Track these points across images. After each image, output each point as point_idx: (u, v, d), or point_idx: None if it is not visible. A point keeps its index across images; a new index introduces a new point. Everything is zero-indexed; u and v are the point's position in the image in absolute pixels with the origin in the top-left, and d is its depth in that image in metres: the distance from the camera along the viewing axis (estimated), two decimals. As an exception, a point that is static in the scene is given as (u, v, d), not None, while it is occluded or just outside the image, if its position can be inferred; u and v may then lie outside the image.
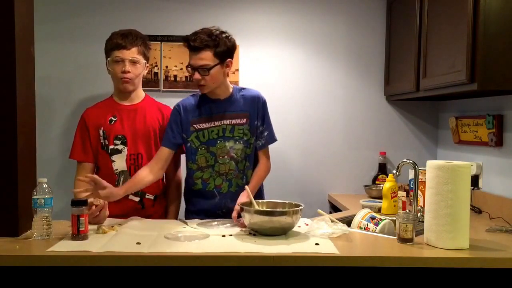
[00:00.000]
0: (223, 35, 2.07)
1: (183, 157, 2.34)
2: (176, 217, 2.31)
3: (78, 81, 3.00)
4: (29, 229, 1.78)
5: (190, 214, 2.26)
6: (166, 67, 3.02)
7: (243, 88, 2.25)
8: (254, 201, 1.97)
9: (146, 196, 2.28)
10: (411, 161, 2.13)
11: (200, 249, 1.61)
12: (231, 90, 2.20)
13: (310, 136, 3.13)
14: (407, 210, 2.32)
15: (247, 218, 1.83)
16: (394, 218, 1.92)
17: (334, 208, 2.93)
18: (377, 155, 3.12)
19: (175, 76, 3.02)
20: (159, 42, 3.00)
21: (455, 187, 1.65)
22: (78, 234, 1.70)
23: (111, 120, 2.27)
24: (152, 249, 1.61)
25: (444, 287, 1.64)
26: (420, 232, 1.82)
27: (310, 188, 3.13)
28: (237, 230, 1.90)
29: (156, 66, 3.01)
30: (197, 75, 2.06)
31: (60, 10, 2.99)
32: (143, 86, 2.39)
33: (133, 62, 2.23)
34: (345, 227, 1.87)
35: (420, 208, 2.17)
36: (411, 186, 2.61)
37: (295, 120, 3.11)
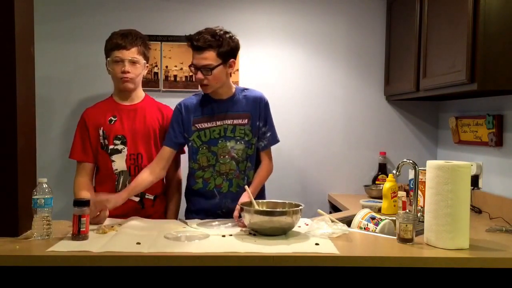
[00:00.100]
0: (227, 35, 2.07)
1: (183, 157, 2.34)
2: (176, 217, 2.31)
3: (78, 81, 3.00)
4: (29, 229, 1.78)
5: (190, 214, 2.26)
6: (166, 67, 3.02)
7: (246, 89, 2.25)
8: (254, 201, 1.97)
9: (146, 196, 2.28)
10: (411, 161, 2.13)
11: (200, 249, 1.61)
12: (233, 90, 2.20)
13: (310, 136, 3.13)
14: (407, 210, 2.32)
15: (247, 218, 1.83)
16: (394, 218, 1.92)
17: (334, 208, 2.93)
18: (377, 155, 3.12)
19: (175, 76, 3.02)
20: (159, 42, 3.00)
21: (455, 187, 1.65)
22: (78, 234, 1.70)
23: (111, 120, 2.27)
24: (152, 249, 1.61)
25: (444, 287, 1.64)
26: (420, 232, 1.82)
27: (310, 188, 3.13)
28: (237, 230, 1.90)
29: (156, 66, 3.01)
30: (199, 75, 2.06)
31: (60, 10, 2.99)
32: (143, 86, 2.39)
33: (133, 62, 2.23)
34: (345, 227, 1.87)
35: (420, 208, 2.17)
36: (411, 186, 2.61)
37: (295, 120, 3.11)
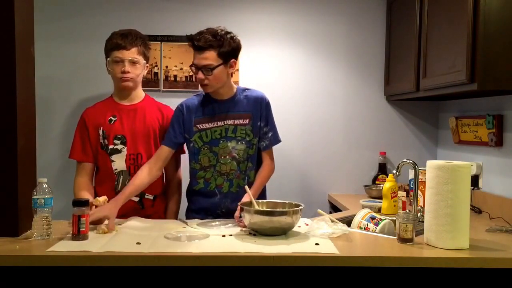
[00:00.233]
0: (228, 36, 2.07)
1: (183, 157, 2.34)
2: (176, 217, 2.31)
3: (78, 81, 3.00)
4: (29, 229, 1.78)
5: (190, 213, 2.26)
6: (166, 67, 3.02)
7: (247, 89, 2.25)
8: (254, 201, 1.97)
9: (146, 196, 2.28)
10: (411, 161, 2.13)
11: (200, 249, 1.61)
12: (234, 90, 2.20)
13: (310, 136, 3.13)
14: (407, 210, 2.32)
15: (247, 218, 1.83)
16: (394, 218, 1.92)
17: (334, 208, 2.93)
18: (377, 155, 3.12)
19: (175, 76, 3.02)
20: (159, 42, 3.00)
21: (455, 187, 1.65)
22: (78, 234, 1.70)
23: (110, 120, 2.27)
24: (152, 249, 1.61)
25: (444, 287, 1.64)
26: (420, 232, 1.82)
27: (310, 188, 3.13)
28: (237, 230, 1.90)
29: (156, 66, 3.01)
30: (200, 75, 2.06)
31: (60, 10, 2.99)
32: (143, 86, 2.39)
33: (133, 63, 2.23)
34: (345, 227, 1.87)
35: (420, 208, 2.17)
36: (411, 186, 2.61)
37: (295, 120, 3.11)
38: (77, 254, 1.56)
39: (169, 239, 1.75)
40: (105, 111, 2.29)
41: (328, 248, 1.65)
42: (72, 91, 3.00)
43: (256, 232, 1.84)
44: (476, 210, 2.42)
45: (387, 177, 2.58)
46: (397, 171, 2.16)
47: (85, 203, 1.74)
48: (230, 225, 1.98)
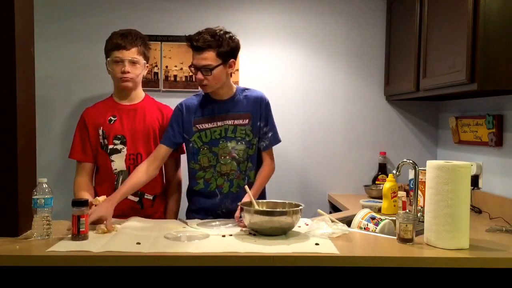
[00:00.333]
0: (227, 36, 2.06)
1: (183, 157, 2.34)
2: (175, 217, 2.30)
3: (78, 81, 3.00)
4: (29, 229, 1.78)
5: (191, 213, 2.26)
6: (166, 67, 3.02)
7: (247, 89, 2.25)
8: (254, 201, 1.97)
9: (145, 196, 2.28)
10: (411, 161, 2.13)
11: (200, 249, 1.61)
12: (234, 90, 2.20)
13: (310, 136, 3.13)
14: (407, 210, 2.32)
15: (247, 218, 1.83)
16: (394, 218, 1.92)
17: (334, 208, 2.93)
18: (377, 155, 3.12)
19: (175, 76, 3.02)
20: (159, 42, 3.00)
21: (455, 187, 1.65)
22: (78, 234, 1.70)
23: (110, 120, 2.27)
24: (152, 249, 1.61)
25: (444, 287, 1.64)
26: (420, 232, 1.82)
27: (310, 188, 3.13)
28: (237, 230, 1.90)
29: (156, 66, 3.01)
30: (199, 75, 2.06)
31: (60, 10, 2.99)
32: (143, 86, 2.39)
33: (133, 63, 2.23)
34: (345, 227, 1.87)
35: (420, 208, 2.17)
36: (411, 186, 2.61)
37: (295, 120, 3.11)
38: (77, 254, 1.56)
39: (169, 239, 1.75)
40: (105, 111, 2.29)
41: (328, 248, 1.65)
42: (72, 91, 3.00)
43: (256, 232, 1.84)
44: (476, 210, 2.42)
45: (387, 177, 2.58)
46: (397, 171, 2.16)
47: (84, 203, 1.74)
48: (230, 225, 1.98)
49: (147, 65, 2.34)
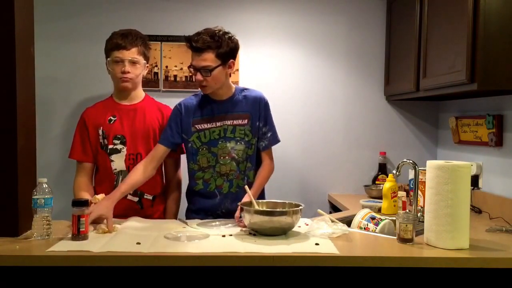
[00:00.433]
0: (226, 36, 2.06)
1: (183, 157, 2.34)
2: (175, 218, 2.30)
3: (78, 81, 3.00)
4: (29, 229, 1.78)
5: (190, 213, 2.26)
6: (166, 67, 3.02)
7: (246, 89, 2.25)
8: (254, 201, 1.97)
9: (145, 197, 2.28)
10: (411, 161, 2.13)
11: (200, 249, 1.61)
12: (233, 90, 2.20)
13: (310, 136, 3.13)
14: (407, 210, 2.32)
15: (247, 218, 1.83)
16: (394, 218, 1.92)
17: (334, 208, 2.93)
18: (377, 155, 3.12)
19: (175, 76, 3.02)
20: (159, 42, 3.00)
21: (455, 187, 1.65)
22: (78, 234, 1.70)
23: (110, 120, 2.27)
24: (152, 249, 1.61)
25: (444, 287, 1.64)
26: (420, 232, 1.82)
27: (310, 188, 3.13)
28: (237, 230, 1.90)
29: (156, 66, 3.01)
30: (199, 76, 2.06)
31: (60, 10, 2.99)
32: (143, 86, 2.39)
33: (133, 63, 2.23)
34: (345, 227, 1.87)
35: (420, 208, 2.17)
36: (411, 186, 2.61)
37: (295, 120, 3.11)
38: (77, 254, 1.56)
39: (169, 239, 1.75)
40: (105, 111, 2.29)
41: (328, 248, 1.65)
42: (72, 91, 3.00)
43: (256, 232, 1.84)
44: (476, 210, 2.42)
45: (387, 177, 2.58)
46: (397, 171, 2.16)
47: (84, 203, 1.74)
48: (230, 225, 1.98)
49: (147, 65, 2.34)
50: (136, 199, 2.26)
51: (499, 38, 1.97)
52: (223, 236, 1.81)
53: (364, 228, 2.00)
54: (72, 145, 2.29)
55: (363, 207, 2.37)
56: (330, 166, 3.14)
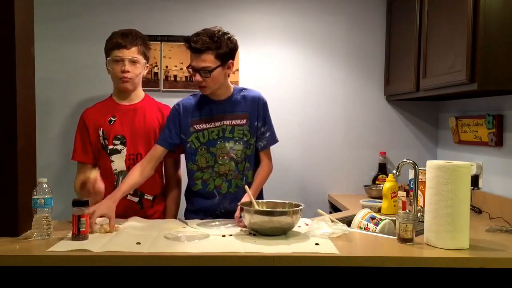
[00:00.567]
0: (225, 37, 2.05)
1: (183, 157, 2.33)
2: (175, 218, 2.30)
3: (78, 81, 3.00)
4: (29, 229, 1.78)
5: (189, 214, 2.25)
6: (166, 67, 3.02)
7: (244, 89, 2.25)
8: (254, 201, 1.97)
9: (145, 197, 2.28)
10: (411, 161, 2.13)
11: (200, 249, 1.61)
12: (231, 90, 2.20)
13: (310, 136, 3.13)
14: (407, 210, 2.32)
15: (247, 218, 1.83)
16: (394, 218, 1.92)
17: (334, 208, 2.93)
18: (377, 155, 3.12)
19: (175, 76, 3.02)
20: (159, 42, 3.00)
21: (455, 187, 1.65)
22: (78, 234, 1.70)
23: (110, 120, 2.27)
24: (152, 249, 1.61)
25: (444, 287, 1.64)
26: (420, 232, 1.82)
27: (310, 188, 3.13)
28: (237, 230, 1.90)
29: (156, 66, 3.01)
30: (198, 77, 2.06)
31: (60, 10, 2.99)
32: (143, 86, 2.39)
33: (133, 62, 2.23)
34: (345, 227, 1.87)
35: (420, 208, 2.17)
36: (411, 186, 2.61)
37: (295, 120, 3.11)
38: (77, 254, 1.56)
39: (169, 239, 1.75)
40: (105, 112, 2.29)
41: (328, 248, 1.65)
42: (72, 91, 3.00)
43: (256, 232, 1.84)
44: (476, 210, 2.42)
45: (387, 177, 2.58)
46: (397, 171, 2.16)
47: (84, 203, 1.74)
48: (230, 225, 1.98)
49: (147, 65, 2.34)
50: (136, 199, 2.26)
51: (499, 38, 1.97)
52: (223, 236, 1.81)
53: (364, 228, 2.00)
54: (74, 147, 2.29)
55: (363, 207, 2.37)
56: (330, 166, 3.14)
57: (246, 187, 2.03)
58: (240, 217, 1.92)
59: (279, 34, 3.08)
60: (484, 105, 2.52)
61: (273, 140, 2.25)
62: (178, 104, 2.21)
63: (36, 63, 1.93)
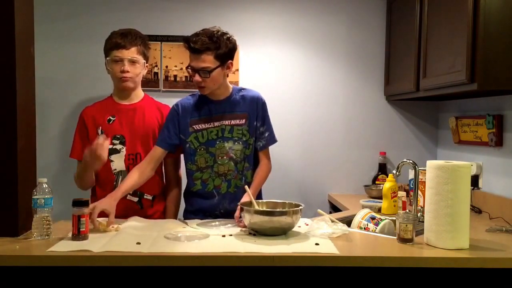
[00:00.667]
0: (224, 37, 2.05)
1: (183, 157, 2.33)
2: (175, 218, 2.30)
3: (78, 81, 3.00)
4: (29, 229, 1.78)
5: (189, 214, 2.25)
6: (166, 67, 3.02)
7: (243, 89, 2.25)
8: (254, 201, 1.97)
9: (145, 197, 2.28)
10: (411, 161, 2.13)
11: (200, 249, 1.61)
12: (230, 90, 2.20)
13: (310, 136, 3.13)
14: (407, 210, 2.32)
15: (247, 218, 1.83)
16: (394, 218, 1.92)
17: (334, 208, 2.93)
18: (377, 155, 3.12)
19: (175, 76, 3.02)
20: (159, 42, 3.00)
21: (455, 187, 1.65)
22: (78, 234, 1.70)
23: (109, 120, 2.27)
24: (152, 249, 1.61)
25: (444, 287, 1.64)
26: (420, 232, 1.82)
27: (310, 188, 3.13)
28: (237, 230, 1.90)
29: (156, 66, 3.01)
30: (197, 77, 2.06)
31: (60, 10, 2.99)
32: (143, 86, 2.39)
33: (132, 62, 2.23)
34: (345, 227, 1.87)
35: (420, 208, 2.17)
36: (411, 186, 2.61)
37: (295, 120, 3.11)
38: (77, 254, 1.56)
39: (169, 239, 1.75)
40: (104, 111, 2.29)
41: (328, 248, 1.65)
42: (72, 91, 3.00)
43: (256, 232, 1.84)
44: (476, 210, 2.42)
45: (387, 177, 2.58)
46: (397, 171, 2.16)
47: (84, 203, 1.74)
48: (229, 225, 1.98)
49: (147, 65, 2.33)
50: (136, 199, 2.26)
51: (499, 38, 1.97)
52: (223, 236, 1.81)
53: (364, 228, 2.00)
54: (72, 145, 2.29)
55: (363, 207, 2.37)
56: (330, 166, 3.14)
57: (246, 187, 2.03)
58: (240, 217, 1.92)
59: (279, 34, 3.08)
60: (484, 105, 2.52)
61: (272, 140, 2.25)
62: (177, 104, 2.20)
63: (36, 63, 1.93)
